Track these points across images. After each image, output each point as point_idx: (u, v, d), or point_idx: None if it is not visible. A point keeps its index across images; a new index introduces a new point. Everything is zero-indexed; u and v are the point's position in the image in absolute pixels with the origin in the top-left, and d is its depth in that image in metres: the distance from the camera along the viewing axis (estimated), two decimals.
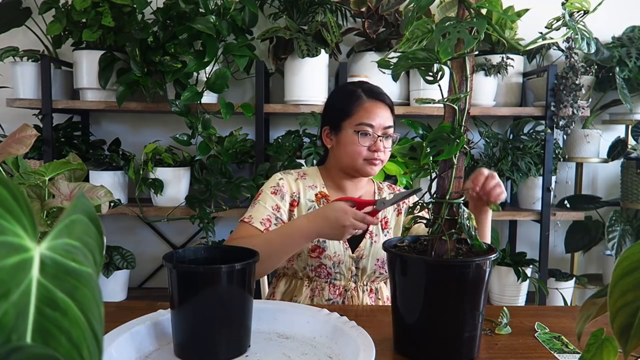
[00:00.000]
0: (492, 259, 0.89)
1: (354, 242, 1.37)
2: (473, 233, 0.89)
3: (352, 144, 1.33)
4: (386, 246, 0.96)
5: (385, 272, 1.38)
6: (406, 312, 0.92)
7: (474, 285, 0.88)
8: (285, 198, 1.37)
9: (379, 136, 1.33)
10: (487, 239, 1.25)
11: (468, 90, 0.89)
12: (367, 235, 1.38)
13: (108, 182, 2.18)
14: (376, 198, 1.44)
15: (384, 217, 1.43)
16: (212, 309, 0.87)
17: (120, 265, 2.27)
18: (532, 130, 2.35)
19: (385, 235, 1.41)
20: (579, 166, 2.59)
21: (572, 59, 2.21)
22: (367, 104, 1.34)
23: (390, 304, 1.43)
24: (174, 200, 2.24)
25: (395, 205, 1.46)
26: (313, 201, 1.38)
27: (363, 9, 2.24)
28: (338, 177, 1.42)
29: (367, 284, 1.38)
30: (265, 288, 1.57)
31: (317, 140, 2.19)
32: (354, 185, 1.43)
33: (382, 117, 1.33)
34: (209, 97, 2.23)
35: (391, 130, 1.36)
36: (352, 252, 1.36)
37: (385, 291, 1.45)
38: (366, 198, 1.45)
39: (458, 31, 0.82)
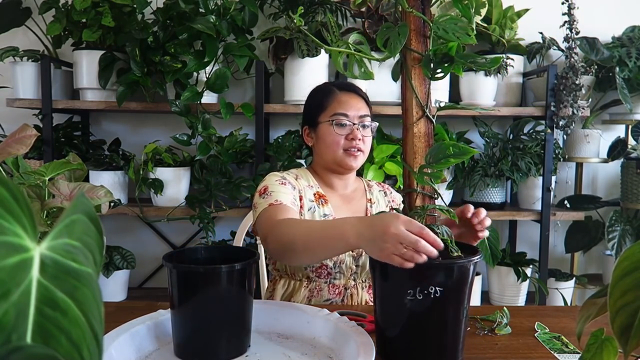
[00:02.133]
0: (476, 260, 0.87)
1: None
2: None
3: (329, 135, 1.35)
4: None
5: None
6: (388, 316, 0.91)
7: (458, 287, 0.86)
8: (295, 189, 1.35)
9: (355, 124, 1.35)
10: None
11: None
12: None
13: (108, 182, 2.18)
14: (368, 196, 1.45)
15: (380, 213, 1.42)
16: (212, 309, 0.87)
17: (120, 265, 2.27)
18: (532, 130, 2.35)
19: None
20: (579, 166, 2.60)
21: (572, 59, 2.21)
22: (340, 96, 1.38)
23: None
24: (174, 200, 2.24)
25: (387, 202, 1.47)
26: (312, 201, 1.37)
27: (363, 9, 2.24)
28: (325, 176, 1.42)
29: (365, 280, 1.38)
30: (263, 289, 1.57)
31: None
32: (342, 183, 1.43)
33: (356, 107, 1.37)
34: (209, 97, 2.23)
35: (368, 120, 1.38)
36: (352, 251, 1.35)
37: None
38: (357, 195, 1.45)
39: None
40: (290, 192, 1.31)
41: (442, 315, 0.87)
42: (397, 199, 1.50)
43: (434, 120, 0.93)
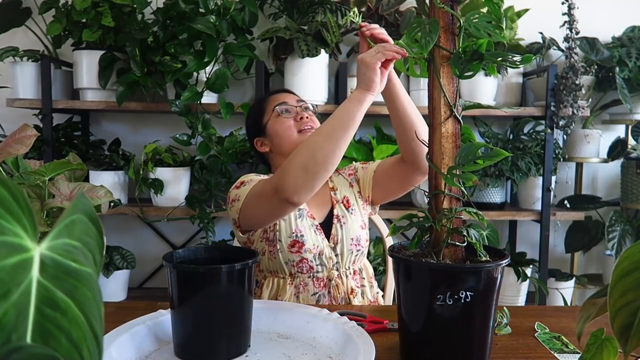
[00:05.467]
0: (504, 264, 0.84)
1: (326, 230, 1.38)
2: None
3: (280, 124, 1.40)
4: (391, 251, 0.91)
5: (362, 247, 1.39)
6: (411, 321, 0.88)
7: (486, 292, 0.83)
8: None
9: (296, 107, 1.42)
10: (414, 110, 1.28)
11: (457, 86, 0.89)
12: (335, 220, 1.39)
13: (108, 182, 2.18)
14: (330, 185, 1.45)
15: (344, 197, 1.43)
16: (212, 309, 0.87)
17: (120, 265, 2.27)
18: (532, 130, 2.35)
19: (351, 213, 1.41)
20: (579, 166, 2.60)
21: (572, 59, 2.21)
22: (273, 95, 1.48)
23: (375, 283, 1.46)
24: (174, 200, 2.25)
25: (349, 182, 1.47)
26: None
27: (363, 9, 2.24)
28: None
29: (349, 267, 1.39)
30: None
31: None
32: None
33: (290, 97, 1.45)
34: (209, 97, 2.23)
35: (306, 103, 1.45)
36: (329, 241, 1.36)
37: (370, 268, 1.47)
38: (321, 188, 1.45)
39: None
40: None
41: (471, 320, 0.84)
42: (348, 167, 1.53)
43: (461, 120, 0.90)
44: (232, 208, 1.31)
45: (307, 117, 1.39)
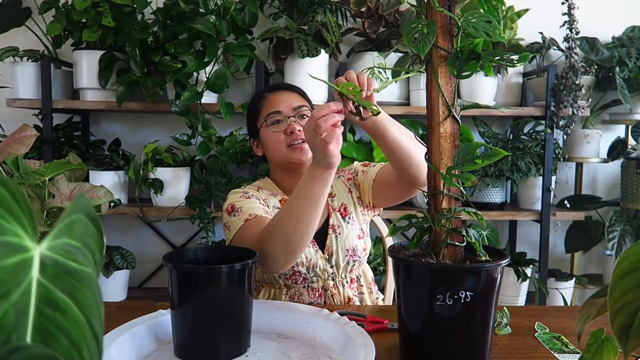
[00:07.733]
0: (504, 264, 0.84)
1: (320, 240, 1.34)
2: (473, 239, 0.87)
3: (269, 136, 1.34)
4: (390, 251, 0.91)
5: (359, 257, 1.36)
6: (414, 320, 0.88)
7: (486, 291, 0.83)
8: (259, 199, 1.33)
9: (290, 117, 1.33)
10: (407, 136, 1.18)
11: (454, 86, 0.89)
12: (330, 230, 1.35)
13: (108, 182, 2.18)
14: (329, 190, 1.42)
15: (342, 205, 1.39)
16: (212, 309, 0.87)
17: (120, 265, 2.27)
18: (532, 130, 2.35)
19: (348, 222, 1.37)
20: (579, 166, 2.60)
21: (572, 59, 2.21)
22: (270, 96, 1.38)
23: (375, 288, 1.44)
24: (174, 200, 2.24)
25: (348, 188, 1.42)
26: (278, 208, 1.35)
27: (363, 9, 2.24)
28: (284, 180, 1.40)
29: (346, 276, 1.36)
30: None
31: None
32: None
33: (288, 101, 1.35)
34: (209, 97, 2.23)
35: (305, 110, 1.35)
36: (323, 252, 1.33)
37: (369, 273, 1.44)
38: None
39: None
40: (257, 203, 1.30)
41: (471, 320, 0.84)
42: (348, 169, 1.47)
43: (459, 120, 0.90)
44: (224, 232, 1.30)
45: (298, 131, 1.31)
